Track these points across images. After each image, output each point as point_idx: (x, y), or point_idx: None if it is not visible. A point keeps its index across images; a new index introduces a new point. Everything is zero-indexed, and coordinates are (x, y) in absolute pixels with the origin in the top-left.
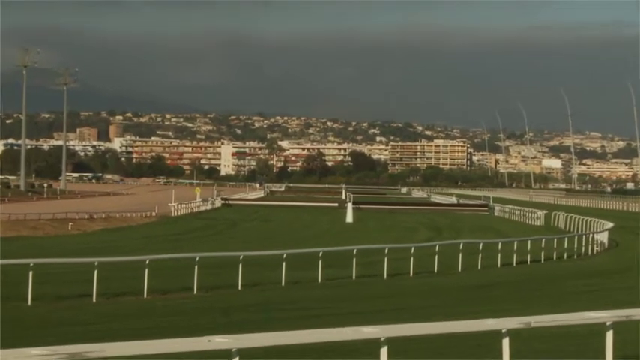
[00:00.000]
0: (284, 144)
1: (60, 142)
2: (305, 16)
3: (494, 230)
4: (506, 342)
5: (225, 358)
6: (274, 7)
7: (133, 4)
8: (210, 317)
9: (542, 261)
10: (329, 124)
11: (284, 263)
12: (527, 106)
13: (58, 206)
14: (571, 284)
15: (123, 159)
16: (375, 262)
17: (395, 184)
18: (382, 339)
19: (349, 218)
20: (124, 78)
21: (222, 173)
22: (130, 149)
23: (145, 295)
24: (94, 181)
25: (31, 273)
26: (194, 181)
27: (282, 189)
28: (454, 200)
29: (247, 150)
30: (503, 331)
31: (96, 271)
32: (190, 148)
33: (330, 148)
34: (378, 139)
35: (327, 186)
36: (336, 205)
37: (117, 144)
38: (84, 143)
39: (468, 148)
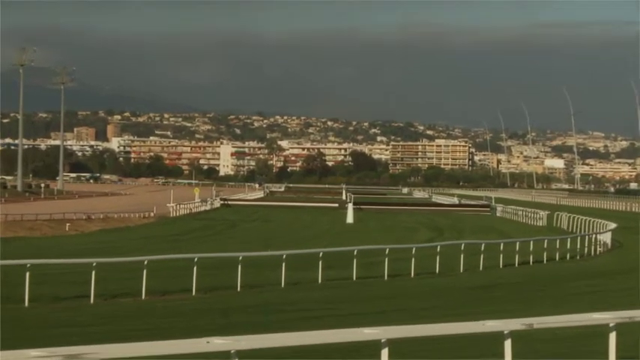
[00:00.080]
0: (284, 144)
1: (57, 142)
2: (305, 16)
3: (496, 231)
4: (508, 344)
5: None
6: (274, 7)
7: (132, 3)
8: (209, 319)
9: (545, 262)
10: (329, 123)
11: (284, 264)
12: (529, 106)
13: (55, 206)
14: (574, 285)
15: (121, 159)
16: (375, 262)
17: (396, 184)
18: (383, 340)
19: (349, 219)
20: (123, 77)
21: (222, 173)
22: (128, 149)
23: (144, 297)
24: (91, 181)
25: (28, 274)
26: (193, 181)
27: (282, 189)
28: (455, 200)
29: (247, 150)
30: (506, 332)
31: (94, 272)
32: (189, 148)
33: (330, 148)
34: (378, 138)
35: (327, 186)
36: (337, 205)
37: (115, 144)
38: (81, 143)
39: (469, 147)
